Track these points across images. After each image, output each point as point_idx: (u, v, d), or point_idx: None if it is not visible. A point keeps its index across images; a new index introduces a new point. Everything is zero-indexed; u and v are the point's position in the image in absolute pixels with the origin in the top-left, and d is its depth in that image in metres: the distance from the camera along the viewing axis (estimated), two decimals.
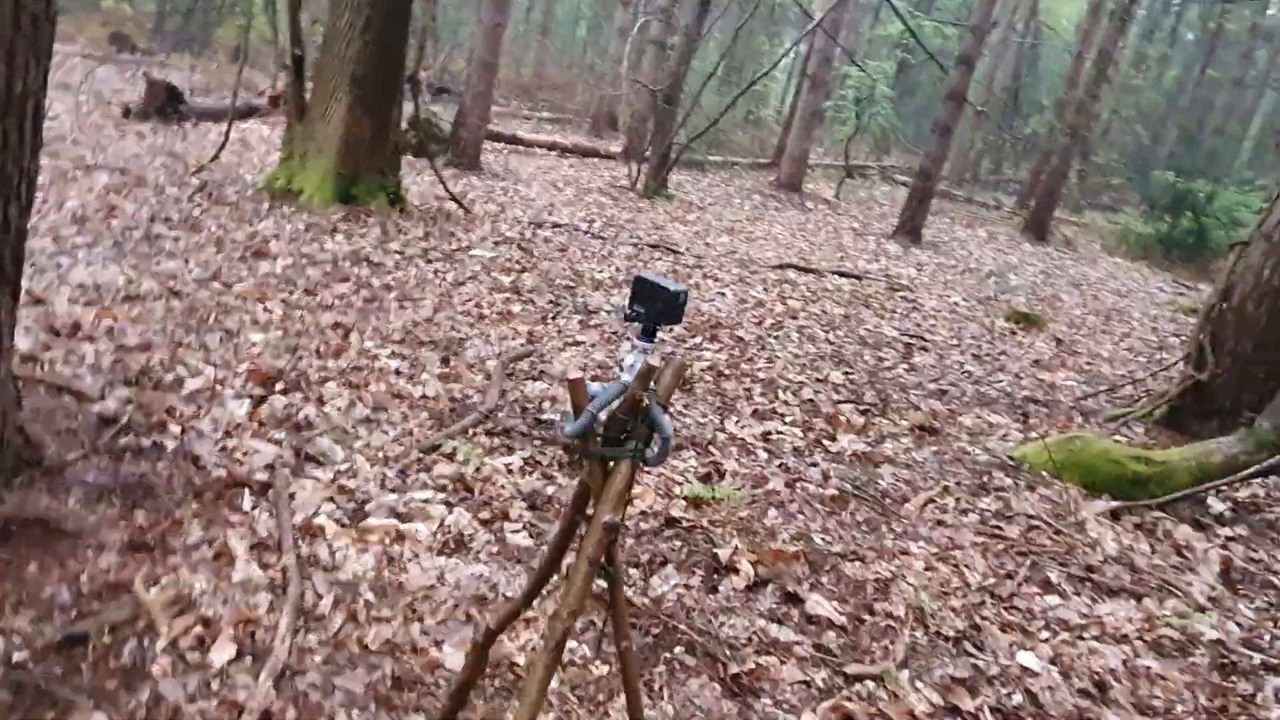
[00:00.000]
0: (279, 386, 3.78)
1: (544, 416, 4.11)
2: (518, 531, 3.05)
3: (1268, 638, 3.26)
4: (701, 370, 5.31)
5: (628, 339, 1.31)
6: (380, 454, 3.39)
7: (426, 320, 5.27)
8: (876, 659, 2.70)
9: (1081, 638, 3.05)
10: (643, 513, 3.37)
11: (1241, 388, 5.23)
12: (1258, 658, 3.11)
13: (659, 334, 1.31)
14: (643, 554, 3.06)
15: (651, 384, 1.16)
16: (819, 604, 2.92)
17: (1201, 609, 3.36)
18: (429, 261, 6.69)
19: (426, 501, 3.10)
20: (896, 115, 20.58)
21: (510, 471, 3.46)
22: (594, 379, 1.23)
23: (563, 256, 7.81)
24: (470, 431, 3.74)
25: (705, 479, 3.79)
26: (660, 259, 8.63)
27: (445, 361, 4.63)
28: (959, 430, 5.03)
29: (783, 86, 28.45)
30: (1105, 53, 14.92)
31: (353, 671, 2.20)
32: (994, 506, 3.99)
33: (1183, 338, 9.20)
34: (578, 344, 5.40)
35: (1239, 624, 3.31)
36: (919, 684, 2.60)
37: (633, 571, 2.94)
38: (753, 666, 2.54)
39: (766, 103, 25.83)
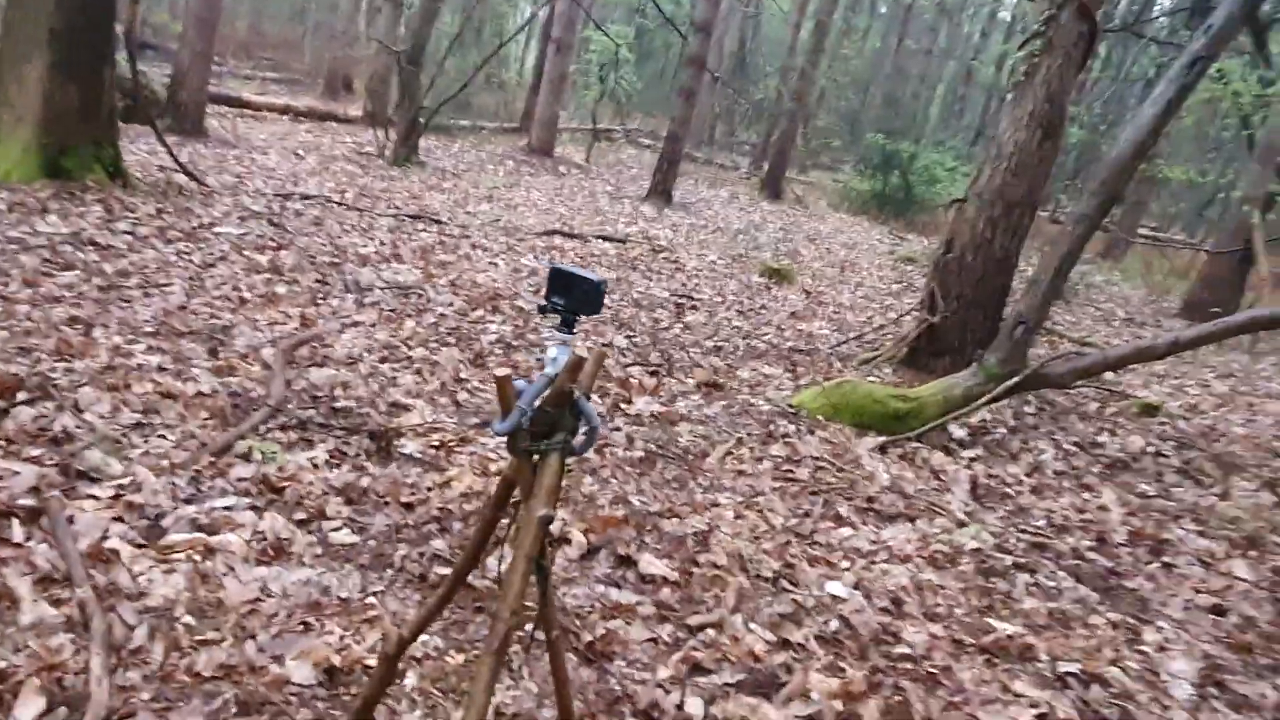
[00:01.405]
0: (21, 396, 3.28)
1: (340, 405, 3.89)
2: (339, 529, 2.89)
3: (1013, 541, 3.82)
4: (490, 344, 5.25)
5: (548, 331, 1.28)
6: (164, 462, 3.05)
7: (180, 308, 4.77)
8: (711, 608, 2.86)
9: (874, 562, 3.41)
10: (463, 494, 3.31)
11: (966, 328, 6.00)
12: (1008, 559, 3.64)
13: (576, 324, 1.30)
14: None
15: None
16: (651, 563, 3.03)
17: (961, 524, 3.87)
18: (168, 242, 6.03)
19: (230, 509, 2.84)
20: (638, 79, 21.13)
21: (317, 466, 3.26)
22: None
23: (320, 231, 7.34)
24: (262, 428, 3.46)
25: None
26: (424, 230, 8.34)
27: (213, 353, 4.23)
28: (739, 384, 5.36)
29: (520, 49, 28.23)
30: (822, 23, 16.18)
31: (189, 705, 2.01)
32: (783, 452, 4.32)
33: (905, 284, 10.35)
34: (357, 324, 5.13)
35: (990, 534, 3.84)
36: (752, 625, 2.80)
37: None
38: (603, 632, 2.60)
39: (507, 66, 25.53)
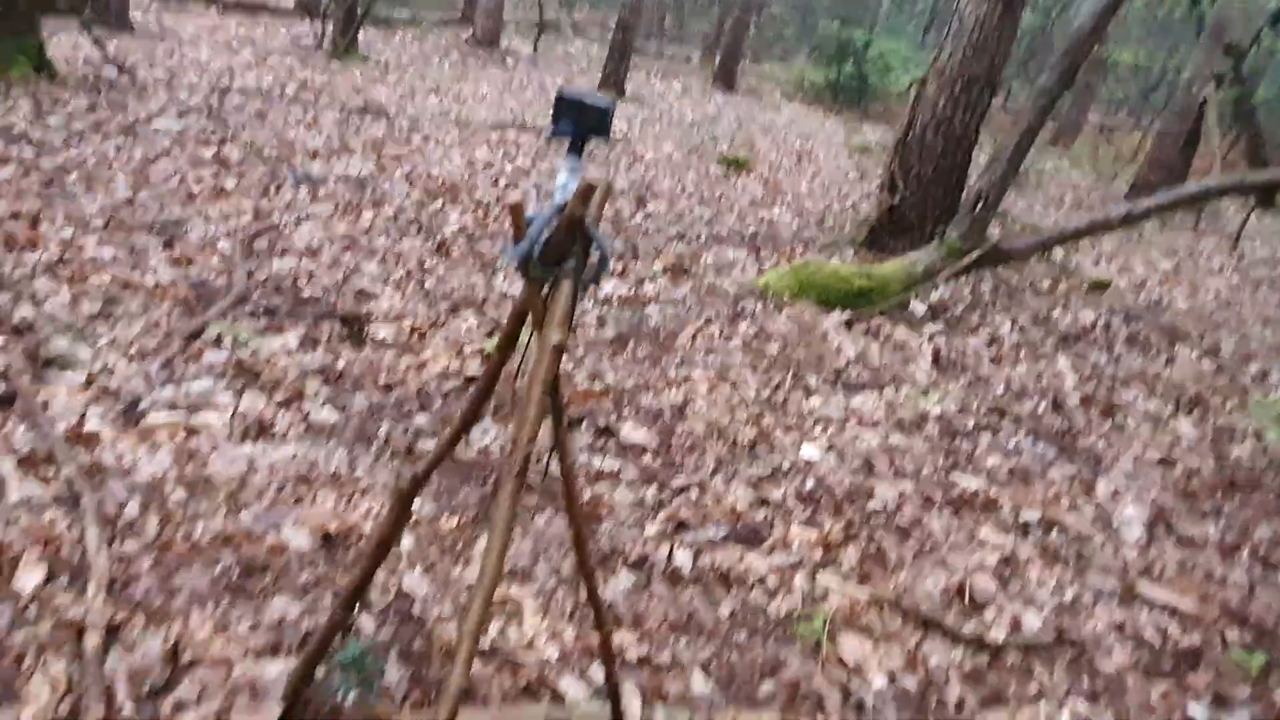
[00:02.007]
0: None
1: (305, 295, 3.83)
2: (321, 408, 2.88)
3: (975, 405, 3.96)
4: (452, 234, 5.17)
5: (558, 158, 1.25)
6: (134, 349, 3.00)
7: (127, 202, 4.59)
8: (692, 472, 2.95)
9: (844, 428, 3.52)
10: (441, 374, 3.32)
11: (926, 207, 6.05)
12: (970, 422, 3.79)
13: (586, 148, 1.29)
14: (455, 412, 3.03)
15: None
16: (631, 433, 3.09)
17: (925, 392, 3.99)
18: (105, 137, 5.76)
19: (208, 391, 2.82)
20: None
21: (290, 352, 3.22)
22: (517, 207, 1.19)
23: (264, 125, 7.05)
24: (230, 315, 3.40)
25: (490, 334, 3.78)
26: (371, 123, 8.07)
27: (168, 245, 4.10)
28: (705, 268, 5.37)
29: None
30: None
31: (190, 569, 2.03)
32: (752, 330, 4.37)
33: (861, 173, 10.35)
34: (313, 217, 5.00)
35: (953, 401, 3.98)
36: (733, 486, 2.89)
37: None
38: (590, 496, 2.67)
39: None
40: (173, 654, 1.76)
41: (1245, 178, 4.82)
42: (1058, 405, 4.16)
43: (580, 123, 1.23)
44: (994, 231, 6.44)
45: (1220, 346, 5.77)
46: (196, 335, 3.16)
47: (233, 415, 2.70)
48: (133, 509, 2.19)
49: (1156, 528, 3.14)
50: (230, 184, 5.28)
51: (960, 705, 2.09)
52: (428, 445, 2.77)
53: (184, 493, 2.30)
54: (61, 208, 4.27)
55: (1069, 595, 2.63)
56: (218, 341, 3.17)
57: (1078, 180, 14.05)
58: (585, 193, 1.14)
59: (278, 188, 5.42)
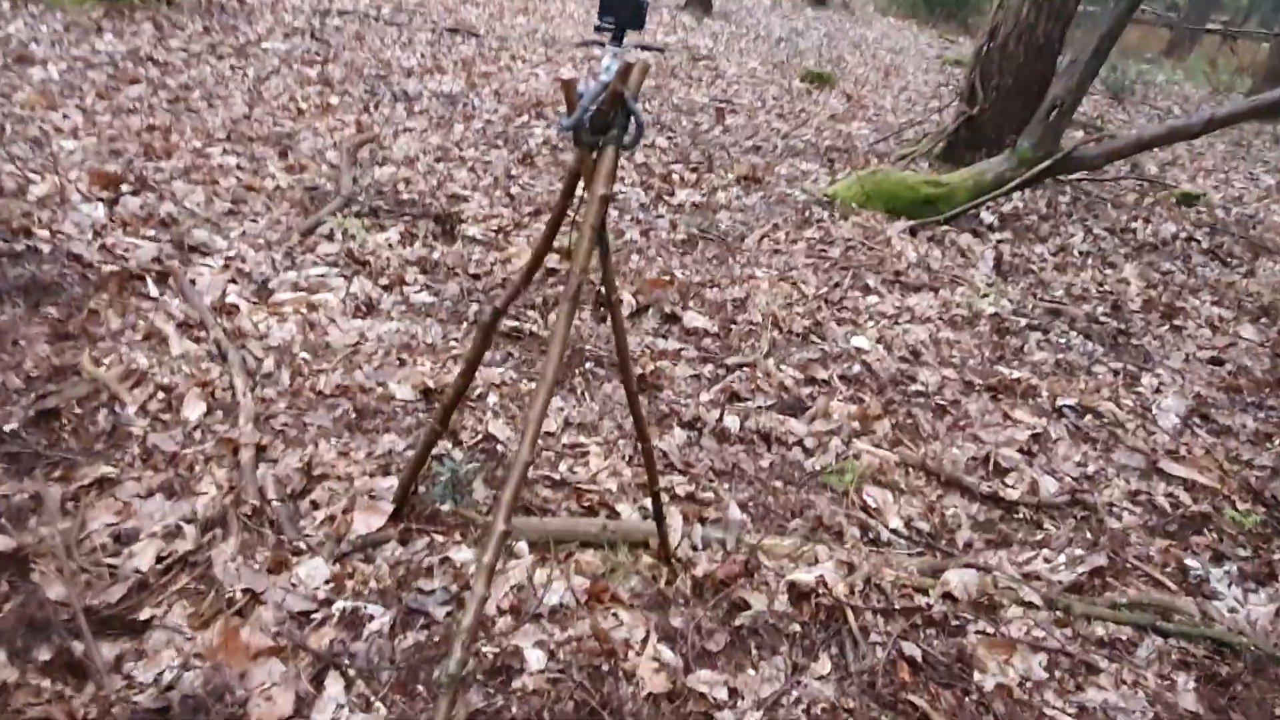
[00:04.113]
0: (125, 188, 3.66)
1: (404, 197, 4.22)
2: (419, 292, 3.28)
3: (1030, 306, 4.12)
4: (536, 146, 5.48)
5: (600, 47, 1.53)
6: (261, 240, 3.44)
7: (245, 117, 5.05)
8: (746, 353, 3.24)
9: (897, 323, 3.74)
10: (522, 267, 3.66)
11: (1004, 118, 6.04)
12: (1023, 321, 3.95)
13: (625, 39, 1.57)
14: (536, 298, 3.40)
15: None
16: (694, 319, 3.40)
17: (982, 294, 4.16)
18: (220, 58, 6.24)
19: (324, 275, 3.24)
20: None
21: (391, 245, 3.63)
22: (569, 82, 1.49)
23: (362, 46, 7.44)
24: (339, 214, 3.82)
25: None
26: (462, 43, 8.38)
27: (283, 155, 4.54)
28: (777, 179, 5.56)
29: None
30: None
31: (317, 411, 2.46)
32: (817, 235, 4.59)
33: (951, 86, 10.16)
34: (409, 130, 5.38)
35: (1009, 300, 4.14)
36: (783, 366, 3.18)
37: (530, 312, 3.29)
38: (652, 369, 3.00)
39: None
40: (307, 469, 2.19)
41: None
42: (1117, 308, 4.27)
43: (619, 15, 1.51)
44: (1075, 139, 6.38)
45: None
46: (312, 230, 3.58)
47: (345, 296, 3.12)
48: (268, 365, 2.62)
49: (1193, 418, 3.30)
50: (334, 101, 5.70)
51: (968, 545, 2.38)
52: (511, 324, 3.14)
53: (309, 355, 2.73)
54: (189, 121, 4.76)
55: (1091, 468, 2.85)
56: (330, 236, 3.59)
57: (1190, 93, 13.37)
58: (625, 71, 1.42)
59: (377, 104, 5.81)
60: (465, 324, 3.13)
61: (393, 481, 2.16)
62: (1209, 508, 2.69)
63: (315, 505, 2.09)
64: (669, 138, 6.12)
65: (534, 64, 7.93)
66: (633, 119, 1.49)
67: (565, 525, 2.12)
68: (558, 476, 2.36)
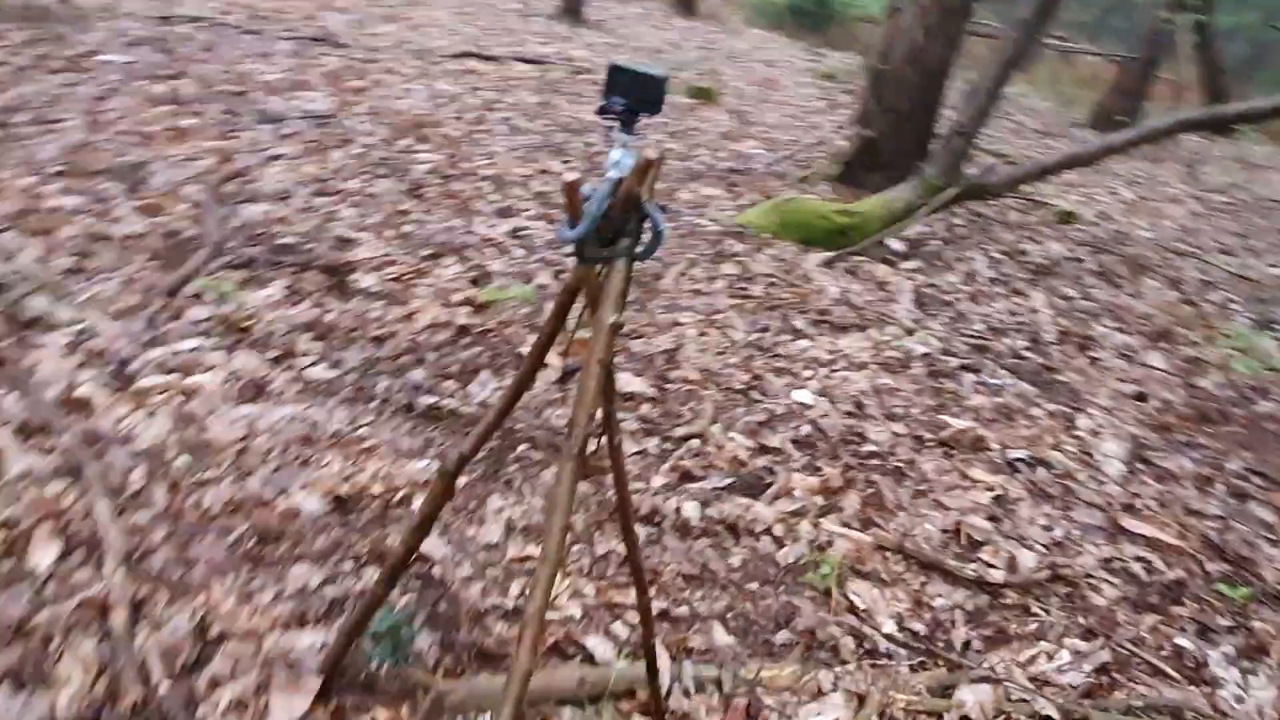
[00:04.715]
0: None
1: (283, 241, 3.72)
2: (314, 365, 2.83)
3: (957, 344, 4.03)
4: (425, 174, 5.04)
5: (610, 134, 1.21)
6: (114, 306, 2.90)
7: (84, 145, 4.39)
8: (691, 420, 2.97)
9: (834, 371, 3.56)
10: (430, 326, 3.27)
11: (900, 141, 6.02)
12: (954, 361, 3.85)
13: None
14: (451, 365, 3.01)
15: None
16: (629, 381, 3.10)
17: (909, 331, 4.04)
18: (51, 72, 5.47)
19: (197, 350, 2.75)
20: None
21: (274, 305, 3.15)
22: (574, 184, 1.16)
23: (215, 57, 6.74)
24: (208, 268, 3.30)
25: (475, 283, 3.72)
26: (327, 54, 7.75)
27: (134, 191, 3.95)
28: (682, 205, 5.32)
29: None
30: None
31: (204, 539, 2.01)
32: (735, 271, 4.36)
33: (829, 100, 10.25)
34: (279, 157, 4.83)
35: (936, 339, 4.03)
36: (732, 434, 2.92)
37: (448, 384, 2.90)
38: (593, 447, 2.67)
39: None
40: (201, 628, 1.76)
41: (1217, 110, 4.86)
42: (1035, 341, 4.25)
43: (633, 95, 1.19)
44: (970, 167, 6.45)
45: (1182, 276, 5.91)
46: (177, 290, 3.06)
47: (225, 376, 2.64)
48: (138, 477, 2.15)
49: (1135, 462, 3.25)
50: (188, 123, 5.07)
51: (967, 646, 2.18)
52: (427, 400, 2.75)
53: (187, 458, 2.26)
54: (16, 153, 4.07)
55: (1058, 533, 2.73)
56: (199, 296, 3.08)
57: (1038, 105, 14.07)
58: (644, 169, 1.11)
59: (238, 127, 5.21)
60: (374, 403, 2.71)
61: (314, 637, 1.75)
62: (1183, 573, 2.60)
63: (216, 683, 1.66)
64: (565, 163, 5.78)
65: (408, 77, 7.41)
66: (649, 224, 1.18)
67: (537, 682, 1.77)
68: (510, 604, 2.00)
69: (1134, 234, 6.93)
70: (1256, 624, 2.43)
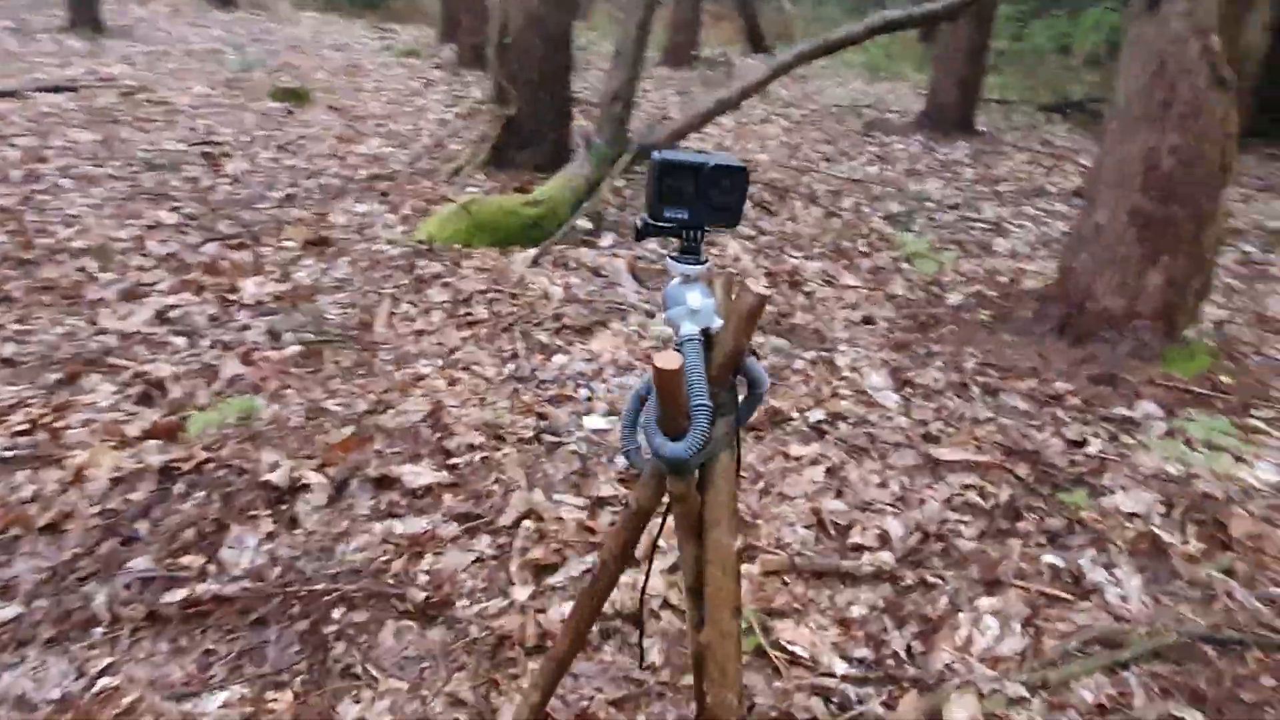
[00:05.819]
0: None
1: None
2: None
3: None
4: None
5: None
6: None
7: None
8: (507, 495, 2.50)
9: (603, 380, 3.26)
10: (115, 482, 2.41)
11: (540, 112, 5.78)
12: None
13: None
14: (178, 530, 2.22)
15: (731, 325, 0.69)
16: (414, 474, 2.53)
17: (651, 315, 3.86)
18: None
19: None
20: None
21: None
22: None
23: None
24: None
25: (144, 401, 2.84)
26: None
27: None
28: (341, 231, 4.61)
29: None
30: None
31: None
32: (447, 296, 3.85)
33: (425, 80, 9.70)
34: None
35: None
36: (559, 498, 2.51)
37: (188, 558, 2.13)
38: (426, 579, 2.13)
39: None
40: None
41: (829, 39, 5.22)
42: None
43: (701, 204, 0.75)
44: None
45: (814, 191, 6.41)
46: None
47: None
48: None
49: (903, 390, 3.39)
50: None
51: (909, 651, 2.06)
52: (173, 597, 1.99)
53: None
54: None
55: (895, 487, 2.72)
56: None
57: (607, 51, 14.65)
58: (751, 315, 0.71)
59: None
60: (101, 630, 1.89)
61: None
62: (1007, 488, 2.73)
63: None
64: (174, 209, 4.73)
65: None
66: (747, 383, 0.77)
67: None
68: None
69: (755, 158, 7.43)
70: (1084, 514, 2.61)
